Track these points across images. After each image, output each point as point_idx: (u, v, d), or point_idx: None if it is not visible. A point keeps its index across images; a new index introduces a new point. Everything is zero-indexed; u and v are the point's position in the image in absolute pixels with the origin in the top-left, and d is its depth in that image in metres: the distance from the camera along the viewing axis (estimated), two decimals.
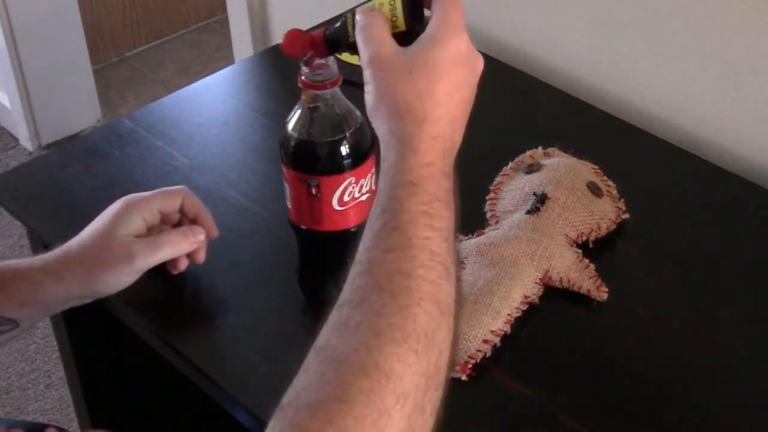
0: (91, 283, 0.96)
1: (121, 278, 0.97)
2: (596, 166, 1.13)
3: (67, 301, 0.97)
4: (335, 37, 0.82)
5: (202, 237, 1.01)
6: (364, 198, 0.94)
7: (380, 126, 0.76)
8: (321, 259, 0.99)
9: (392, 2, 0.78)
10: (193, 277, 1.05)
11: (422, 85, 0.74)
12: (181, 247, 0.99)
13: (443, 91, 0.74)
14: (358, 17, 0.79)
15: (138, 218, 0.98)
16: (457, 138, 0.76)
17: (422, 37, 0.76)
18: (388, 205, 0.71)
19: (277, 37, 1.79)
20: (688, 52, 1.24)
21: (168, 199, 1.01)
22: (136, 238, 0.97)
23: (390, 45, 0.76)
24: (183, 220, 1.03)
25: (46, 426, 0.90)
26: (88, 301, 0.99)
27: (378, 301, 0.67)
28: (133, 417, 1.31)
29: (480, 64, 0.78)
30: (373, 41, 0.76)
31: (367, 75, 0.76)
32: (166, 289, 1.04)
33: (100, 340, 1.22)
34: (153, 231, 1.01)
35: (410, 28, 0.78)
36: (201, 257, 1.02)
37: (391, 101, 0.74)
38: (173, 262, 1.01)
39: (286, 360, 0.96)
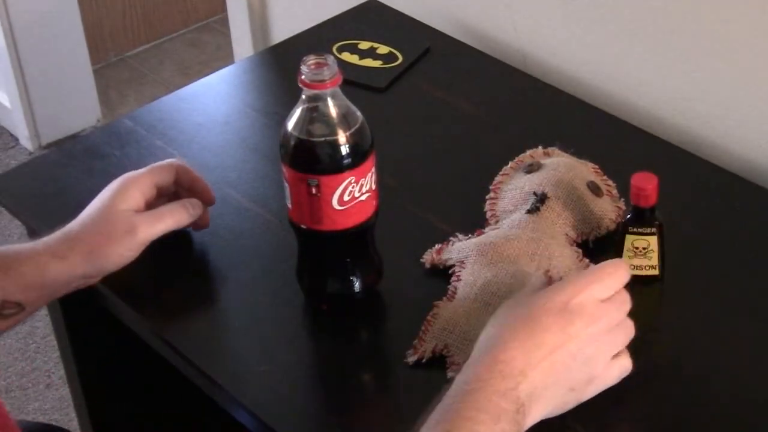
0: (95, 260, 0.97)
1: (124, 253, 0.98)
2: (596, 166, 1.13)
3: (71, 282, 0.98)
4: None
5: (199, 210, 1.04)
6: (364, 197, 0.94)
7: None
8: (321, 258, 0.99)
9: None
10: (192, 277, 1.05)
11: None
12: (182, 218, 1.02)
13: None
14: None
15: (136, 193, 1.00)
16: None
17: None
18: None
19: (277, 37, 1.79)
20: (688, 51, 1.24)
21: (163, 173, 1.03)
22: (135, 212, 0.99)
23: None
24: (179, 191, 1.05)
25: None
26: (92, 281, 1.00)
27: None
28: (133, 417, 1.31)
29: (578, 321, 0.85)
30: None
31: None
32: (166, 289, 1.04)
33: (101, 340, 1.22)
34: (150, 207, 1.02)
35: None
36: (205, 223, 1.06)
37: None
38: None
39: (286, 360, 0.97)
